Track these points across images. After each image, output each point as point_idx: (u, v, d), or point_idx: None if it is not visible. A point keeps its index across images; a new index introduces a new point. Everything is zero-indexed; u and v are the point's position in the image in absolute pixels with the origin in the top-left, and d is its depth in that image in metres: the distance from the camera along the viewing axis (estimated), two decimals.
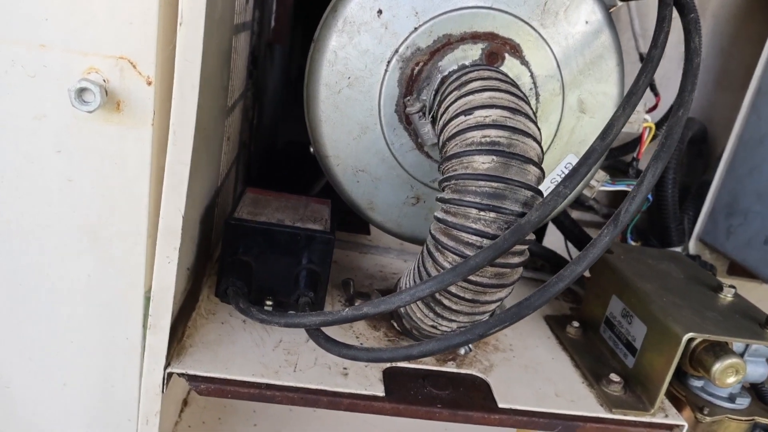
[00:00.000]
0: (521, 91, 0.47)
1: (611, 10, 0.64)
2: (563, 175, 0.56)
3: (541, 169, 0.43)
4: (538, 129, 0.44)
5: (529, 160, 0.42)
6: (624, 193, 0.70)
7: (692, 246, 0.82)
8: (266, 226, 0.54)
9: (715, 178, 0.79)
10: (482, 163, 0.41)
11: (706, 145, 0.88)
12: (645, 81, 0.45)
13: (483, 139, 0.42)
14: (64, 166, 0.43)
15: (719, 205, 0.78)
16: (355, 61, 0.51)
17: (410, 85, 0.52)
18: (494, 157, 0.41)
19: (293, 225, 0.54)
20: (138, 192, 0.44)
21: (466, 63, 0.51)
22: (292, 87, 1.19)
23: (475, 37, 0.51)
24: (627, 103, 0.44)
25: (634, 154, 0.66)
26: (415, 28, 0.50)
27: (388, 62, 0.51)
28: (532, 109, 0.46)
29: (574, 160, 0.56)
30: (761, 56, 0.74)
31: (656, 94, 0.80)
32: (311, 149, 0.56)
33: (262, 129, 0.90)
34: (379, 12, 0.50)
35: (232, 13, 0.60)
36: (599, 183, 0.63)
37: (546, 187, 0.57)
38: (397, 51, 0.51)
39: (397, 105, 0.52)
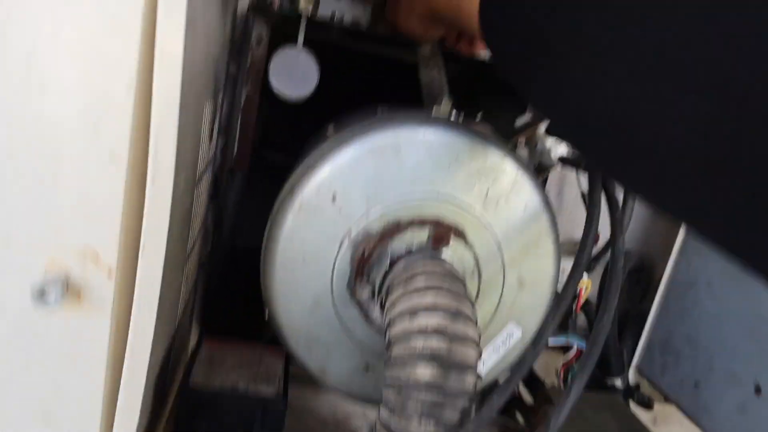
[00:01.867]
0: (463, 284, 0.50)
1: (550, 171, 0.69)
2: (504, 344, 0.60)
3: (478, 375, 0.46)
4: (476, 326, 0.47)
5: (467, 368, 0.45)
6: (565, 349, 0.74)
7: (631, 376, 0.86)
8: (221, 392, 0.55)
9: (651, 313, 0.84)
10: (423, 373, 0.44)
11: (643, 273, 0.94)
12: (573, 285, 0.49)
13: (424, 350, 0.45)
14: (18, 355, 0.44)
15: (655, 340, 0.83)
16: (310, 241, 0.54)
17: (361, 265, 0.55)
18: (434, 368, 0.44)
19: (246, 392, 0.56)
20: (94, 378, 0.44)
21: (414, 247, 0.54)
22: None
23: (422, 222, 0.54)
24: (556, 309, 0.47)
25: (573, 308, 0.70)
26: (367, 213, 0.53)
27: (341, 243, 0.54)
28: (471, 303, 0.49)
29: (515, 331, 0.59)
30: None
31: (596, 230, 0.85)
32: (266, 315, 0.58)
33: (220, 249, 0.91)
34: (334, 197, 0.53)
35: (194, 173, 0.62)
36: None
37: (488, 354, 0.60)
38: (349, 234, 0.54)
39: (348, 283, 0.55)
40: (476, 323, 0.48)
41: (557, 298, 0.47)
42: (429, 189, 0.54)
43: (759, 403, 0.65)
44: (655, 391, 0.84)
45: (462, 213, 0.55)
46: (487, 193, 0.55)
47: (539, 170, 0.73)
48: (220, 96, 0.75)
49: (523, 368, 0.45)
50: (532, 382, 0.75)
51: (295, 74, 0.77)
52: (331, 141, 0.54)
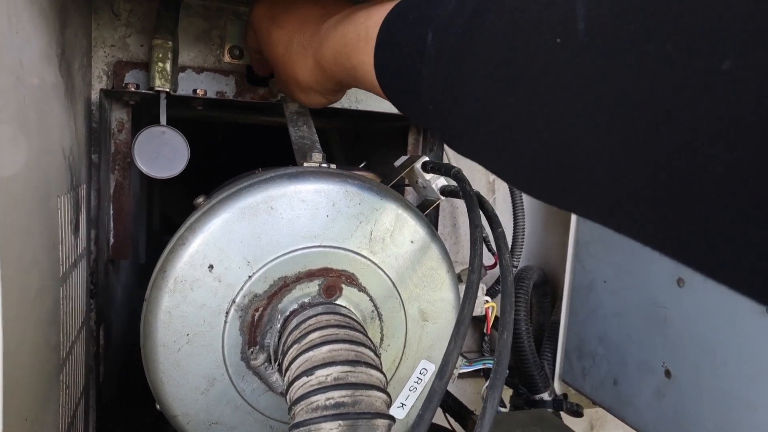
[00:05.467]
0: (360, 329, 0.49)
1: (435, 204, 0.70)
2: (419, 381, 0.58)
3: (390, 416, 0.44)
4: (380, 370, 0.45)
5: (376, 414, 0.42)
6: (484, 371, 0.74)
7: (557, 387, 0.86)
8: None
9: (561, 321, 0.85)
10: (330, 429, 0.41)
11: (548, 285, 0.96)
12: (469, 309, 0.48)
13: (327, 402, 0.42)
14: None
15: (570, 348, 0.84)
16: (192, 317, 0.50)
17: (253, 331, 0.51)
18: (341, 422, 0.41)
19: None
20: None
21: (306, 300, 0.52)
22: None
23: (310, 275, 0.53)
24: (457, 335, 0.46)
25: (484, 330, 0.70)
26: (249, 277, 0.51)
27: (227, 313, 0.51)
28: (372, 348, 0.47)
29: (428, 365, 0.58)
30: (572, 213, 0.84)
31: (494, 253, 0.87)
32: (157, 407, 0.53)
33: (112, 345, 0.84)
34: (210, 267, 0.50)
35: (56, 271, 0.57)
36: (458, 368, 0.65)
37: (406, 395, 0.58)
38: (234, 301, 0.51)
39: (242, 353, 0.51)
40: (379, 367, 0.46)
41: (456, 327, 0.47)
42: (311, 240, 0.52)
43: (671, 386, 0.67)
44: (582, 396, 0.85)
45: (349, 258, 0.53)
46: (371, 235, 0.54)
47: (426, 205, 0.74)
48: (83, 188, 0.71)
49: (433, 402, 0.43)
50: (461, 413, 0.74)
51: (162, 153, 0.74)
52: (200, 211, 0.52)
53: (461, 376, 0.93)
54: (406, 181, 0.77)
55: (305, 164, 0.58)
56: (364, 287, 0.54)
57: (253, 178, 0.53)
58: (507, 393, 0.89)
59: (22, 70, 0.45)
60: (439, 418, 0.80)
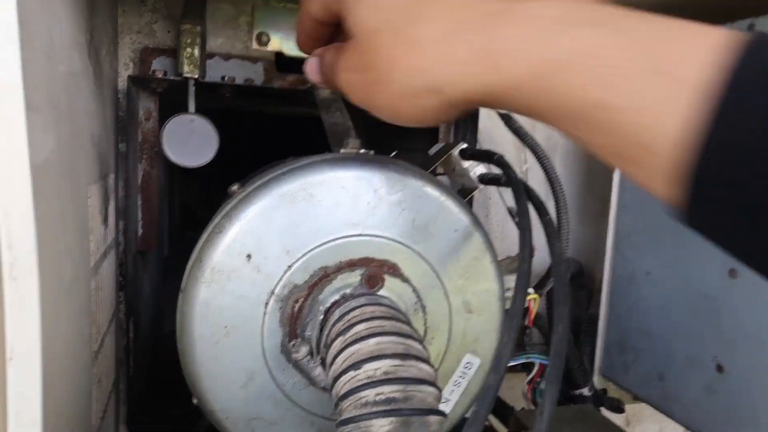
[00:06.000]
0: (407, 323, 0.46)
1: (473, 193, 0.68)
2: (464, 376, 0.56)
3: (442, 413, 0.41)
4: (429, 363, 0.43)
5: (429, 411, 0.40)
6: (523, 365, 0.71)
7: (597, 381, 0.83)
8: None
9: (601, 314, 0.82)
10: (381, 426, 0.39)
11: (584, 278, 0.93)
12: (521, 299, 0.46)
13: (377, 398, 0.40)
14: None
15: (610, 342, 0.81)
16: (230, 308, 0.48)
17: (293, 323, 0.49)
18: (392, 418, 0.39)
19: None
20: None
21: (347, 291, 0.50)
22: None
23: (351, 265, 0.50)
24: (510, 327, 0.44)
25: (526, 323, 0.67)
26: (289, 266, 0.49)
27: (266, 304, 0.49)
28: (420, 340, 0.45)
29: (473, 359, 0.56)
30: (611, 200, 0.81)
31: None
32: (194, 401, 0.51)
33: (141, 339, 0.83)
34: (249, 256, 0.48)
35: (86, 262, 0.55)
36: None
37: (450, 390, 0.56)
38: (273, 292, 0.49)
39: (282, 346, 0.49)
40: (428, 361, 0.44)
41: (508, 318, 0.44)
42: (352, 229, 0.50)
43: (723, 381, 0.64)
44: (623, 392, 0.82)
45: (391, 247, 0.51)
46: (413, 223, 0.52)
47: (463, 194, 0.71)
48: (112, 177, 0.69)
49: (488, 396, 0.41)
50: (501, 409, 0.71)
51: (191, 141, 0.72)
52: (237, 198, 0.50)
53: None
54: (439, 171, 0.74)
55: (342, 151, 0.55)
56: (407, 277, 0.52)
57: (290, 165, 0.51)
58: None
59: (52, 49, 0.43)
60: None
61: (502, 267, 0.84)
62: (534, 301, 0.65)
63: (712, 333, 0.65)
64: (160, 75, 0.73)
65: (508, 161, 0.57)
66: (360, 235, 0.50)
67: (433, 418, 0.40)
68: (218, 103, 0.89)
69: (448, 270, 0.53)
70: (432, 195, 0.52)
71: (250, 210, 0.48)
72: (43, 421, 0.34)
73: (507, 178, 0.55)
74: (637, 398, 0.82)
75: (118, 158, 0.73)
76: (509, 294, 0.62)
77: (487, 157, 0.61)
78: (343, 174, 0.50)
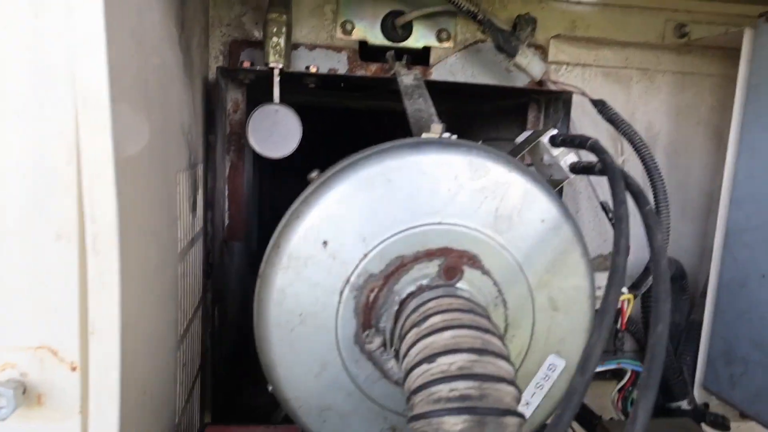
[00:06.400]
0: (486, 317, 0.44)
1: (564, 183, 0.63)
2: (547, 378, 0.52)
3: (521, 414, 0.38)
4: (508, 361, 0.40)
5: (505, 412, 0.37)
6: (612, 372, 0.66)
7: (698, 395, 0.76)
8: None
9: (705, 321, 0.75)
10: (454, 424, 0.36)
11: (685, 280, 0.85)
12: (614, 296, 0.42)
13: (451, 394, 0.37)
14: None
15: (715, 352, 0.73)
16: (306, 296, 0.48)
17: (367, 313, 0.48)
18: (466, 416, 0.36)
19: None
20: None
21: (424, 282, 0.48)
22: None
23: (429, 255, 0.48)
24: (600, 326, 0.40)
25: (618, 326, 0.62)
26: (365, 255, 0.48)
27: (341, 293, 0.48)
28: (500, 336, 0.42)
29: (557, 361, 0.52)
30: (722, 194, 0.73)
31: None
32: (269, 388, 0.51)
33: (227, 327, 0.85)
34: (325, 243, 0.47)
35: (174, 248, 0.57)
36: None
37: (531, 393, 0.52)
38: (348, 281, 0.48)
39: (356, 336, 0.48)
40: (508, 358, 0.41)
41: (599, 316, 0.40)
42: (431, 217, 0.48)
43: None
44: (729, 407, 0.74)
45: (472, 237, 0.48)
46: (496, 212, 0.49)
47: (554, 184, 0.67)
48: (200, 167, 0.71)
49: (573, 400, 0.38)
50: (586, 417, 0.66)
51: (275, 131, 0.73)
52: (315, 184, 0.49)
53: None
54: (527, 162, 0.70)
55: (424, 135, 0.53)
56: (488, 270, 0.49)
57: (368, 151, 0.49)
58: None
59: (144, 39, 0.44)
60: None
61: (594, 265, 0.79)
62: (628, 302, 0.60)
63: None
64: (247, 65, 0.74)
65: (603, 147, 0.53)
66: (439, 223, 0.48)
67: (511, 420, 0.37)
68: (302, 97, 0.90)
69: (534, 263, 0.50)
70: (518, 182, 0.49)
71: (328, 195, 0.47)
72: (120, 395, 0.35)
73: (602, 164, 0.51)
74: (744, 415, 0.74)
75: (207, 149, 0.75)
76: (600, 293, 0.57)
77: (579, 142, 0.56)
78: (423, 158, 0.48)
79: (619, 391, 0.62)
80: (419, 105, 0.64)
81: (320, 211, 0.47)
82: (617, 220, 0.45)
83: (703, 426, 0.75)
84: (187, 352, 0.65)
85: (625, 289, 0.59)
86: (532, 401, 0.52)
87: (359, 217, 0.47)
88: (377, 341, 0.46)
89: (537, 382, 0.52)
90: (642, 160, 0.73)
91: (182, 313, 0.62)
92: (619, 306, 0.59)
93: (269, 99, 0.73)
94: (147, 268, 0.45)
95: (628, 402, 0.63)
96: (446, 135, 0.53)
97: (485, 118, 1.00)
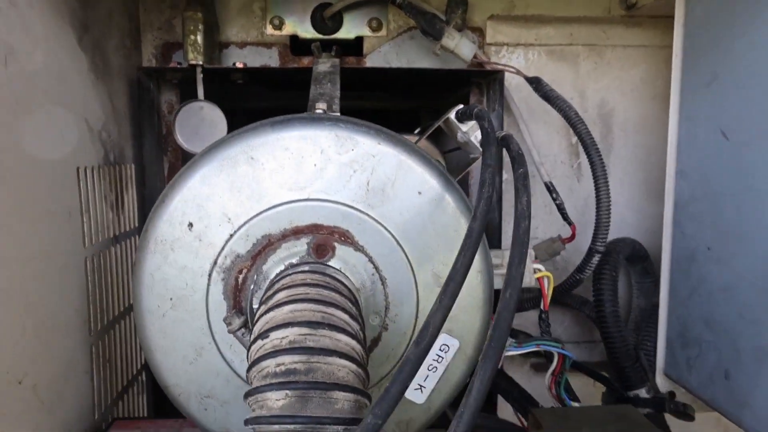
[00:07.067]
0: (345, 291, 0.42)
1: (476, 159, 0.61)
2: (440, 360, 0.49)
3: (356, 389, 0.36)
4: (352, 336, 0.38)
5: (333, 386, 0.35)
6: (536, 353, 0.62)
7: (661, 382, 0.70)
8: None
9: (661, 302, 0.70)
10: (276, 400, 0.35)
11: (648, 261, 0.80)
12: (464, 261, 0.39)
13: (277, 369, 0.35)
14: None
15: (672, 334, 0.68)
16: (174, 280, 0.47)
17: (237, 295, 0.47)
18: (288, 392, 0.34)
19: None
20: None
21: (293, 261, 0.46)
22: None
23: (297, 232, 0.47)
24: (444, 294, 0.37)
25: (541, 308, 0.58)
26: (231, 235, 0.46)
27: (209, 275, 0.47)
28: (347, 310, 0.40)
29: (450, 341, 0.49)
30: (667, 166, 0.69)
31: (570, 223, 0.74)
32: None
33: None
34: (190, 225, 0.46)
35: (77, 247, 0.57)
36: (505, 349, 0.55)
37: (425, 376, 0.49)
38: (216, 262, 0.46)
39: (225, 319, 0.47)
40: (354, 333, 0.38)
41: (445, 283, 0.38)
42: (297, 193, 0.46)
43: None
44: (692, 395, 0.69)
45: (342, 213, 0.47)
46: (368, 185, 0.47)
47: (466, 162, 0.64)
48: (130, 167, 0.72)
49: (403, 372, 0.35)
50: (524, 405, 0.62)
51: (202, 128, 0.73)
52: (184, 166, 0.48)
53: (518, 360, 0.81)
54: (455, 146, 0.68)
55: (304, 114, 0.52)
56: (362, 246, 0.47)
57: (234, 132, 0.48)
58: (600, 389, 0.75)
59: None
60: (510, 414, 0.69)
61: (542, 249, 0.75)
62: (548, 279, 0.56)
63: None
64: (175, 65, 0.75)
65: (485, 113, 0.50)
66: (306, 199, 0.46)
67: (341, 394, 0.35)
68: (258, 102, 0.90)
69: (412, 238, 0.47)
70: (389, 153, 0.47)
71: (191, 178, 0.46)
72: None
73: (480, 129, 0.48)
74: (703, 402, 0.68)
75: (141, 149, 0.76)
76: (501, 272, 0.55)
77: (470, 113, 0.54)
78: (286, 134, 0.46)
79: (552, 377, 0.58)
80: (324, 89, 0.62)
81: (183, 194, 0.46)
82: (480, 183, 0.43)
83: (666, 416, 0.70)
84: (111, 349, 0.65)
85: (541, 266, 0.56)
86: (426, 384, 0.49)
87: (223, 197, 0.46)
88: (237, 322, 0.45)
89: (429, 364, 0.49)
90: (578, 136, 0.69)
91: (101, 308, 0.62)
92: (535, 284, 0.56)
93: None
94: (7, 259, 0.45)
95: (561, 387, 0.58)
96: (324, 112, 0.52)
97: (434, 112, 0.97)
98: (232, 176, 0.46)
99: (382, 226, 0.47)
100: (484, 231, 0.41)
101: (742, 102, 0.58)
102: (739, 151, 0.58)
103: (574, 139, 0.83)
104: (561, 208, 0.74)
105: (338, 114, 0.52)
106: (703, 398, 0.63)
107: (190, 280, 0.47)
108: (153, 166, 0.76)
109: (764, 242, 0.55)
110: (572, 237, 0.73)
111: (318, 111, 0.51)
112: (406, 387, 0.35)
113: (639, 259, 0.79)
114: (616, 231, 0.83)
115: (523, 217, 0.40)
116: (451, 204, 0.48)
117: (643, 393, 0.69)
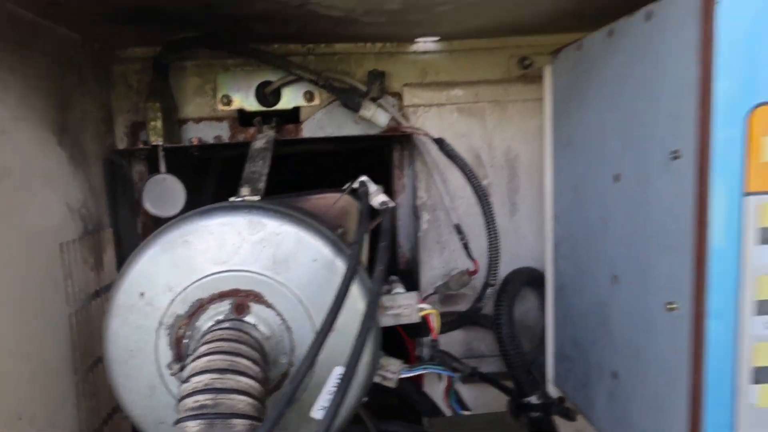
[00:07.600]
0: (252, 342, 0.57)
1: (377, 221, 0.75)
2: (337, 387, 0.64)
3: (251, 416, 0.51)
4: (251, 377, 0.53)
5: (233, 415, 0.50)
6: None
7: (551, 390, 0.85)
8: None
9: (547, 324, 0.84)
10: (192, 427, 0.50)
11: None
12: (329, 318, 0.54)
13: (194, 405, 0.51)
14: None
15: (555, 350, 0.83)
16: (132, 336, 0.62)
17: (179, 346, 0.62)
18: (201, 421, 0.50)
19: None
20: None
21: (220, 318, 0.62)
22: None
23: (222, 296, 0.62)
24: (312, 346, 0.52)
25: (431, 338, 0.73)
26: (172, 300, 0.61)
27: (156, 331, 0.62)
28: (257, 357, 0.55)
29: (341, 371, 0.64)
30: (545, 210, 0.83)
31: (473, 258, 0.89)
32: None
33: None
34: (142, 294, 0.62)
35: (61, 304, 0.72)
36: (396, 374, 0.70)
37: (327, 400, 0.64)
38: (161, 322, 0.62)
39: (169, 365, 0.62)
40: (254, 375, 0.53)
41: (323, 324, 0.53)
42: (220, 266, 0.61)
43: (619, 387, 0.64)
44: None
45: (255, 279, 0.62)
46: (274, 257, 0.62)
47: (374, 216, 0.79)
48: (109, 231, 0.87)
49: (281, 404, 0.50)
50: (434, 415, 0.77)
51: (165, 196, 0.88)
52: (141, 244, 0.64)
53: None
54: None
55: (231, 199, 0.67)
56: (271, 304, 0.62)
57: (179, 218, 0.63)
58: (503, 398, 0.89)
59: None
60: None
61: (453, 281, 0.90)
62: (434, 315, 0.70)
63: (606, 340, 0.66)
64: (141, 145, 0.90)
65: (364, 189, 0.65)
66: (228, 270, 0.62)
67: (238, 421, 0.50)
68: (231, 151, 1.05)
69: (310, 294, 0.62)
70: (290, 231, 0.62)
71: (143, 257, 0.62)
72: None
73: (362, 205, 0.63)
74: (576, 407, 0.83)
75: (116, 215, 0.91)
76: (401, 311, 0.70)
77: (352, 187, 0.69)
78: (210, 222, 0.62)
79: (445, 391, 0.73)
80: (256, 167, 0.77)
81: (137, 269, 0.62)
82: (353, 243, 0.57)
83: (555, 418, 0.84)
84: (97, 383, 0.80)
85: (426, 305, 0.70)
86: (329, 407, 0.64)
87: (165, 272, 0.61)
88: (176, 367, 0.60)
89: (329, 390, 0.64)
90: (473, 188, 0.84)
91: (84, 351, 0.77)
92: (422, 321, 0.70)
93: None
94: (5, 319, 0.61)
95: (452, 399, 0.73)
96: (250, 198, 0.67)
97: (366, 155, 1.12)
98: (172, 255, 0.61)
99: (287, 288, 0.62)
100: (348, 285, 0.56)
101: (582, 164, 0.72)
102: (583, 203, 0.72)
103: (486, 181, 0.98)
104: (466, 246, 0.88)
105: (258, 196, 0.67)
106: (575, 403, 0.77)
107: (144, 336, 0.62)
108: (128, 228, 0.92)
109: (588, 276, 0.70)
110: (476, 271, 0.88)
111: (238, 199, 0.67)
112: (283, 413, 0.50)
113: (538, 284, 0.94)
114: (525, 259, 0.98)
115: (377, 282, 0.55)
116: (340, 266, 0.63)
117: (534, 399, 0.83)
